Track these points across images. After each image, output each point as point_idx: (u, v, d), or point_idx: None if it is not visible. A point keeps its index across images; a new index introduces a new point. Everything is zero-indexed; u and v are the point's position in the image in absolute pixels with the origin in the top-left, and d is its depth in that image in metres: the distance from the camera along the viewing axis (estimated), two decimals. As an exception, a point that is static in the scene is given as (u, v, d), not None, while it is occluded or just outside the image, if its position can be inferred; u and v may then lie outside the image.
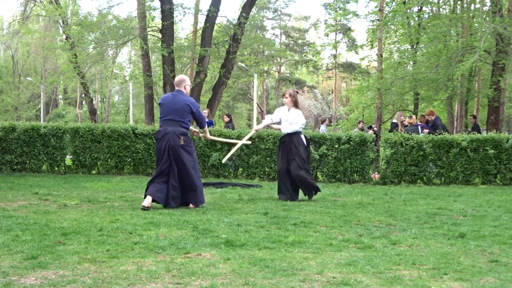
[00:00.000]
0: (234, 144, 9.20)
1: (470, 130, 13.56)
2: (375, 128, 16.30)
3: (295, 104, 7.84)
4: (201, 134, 7.53)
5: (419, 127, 12.86)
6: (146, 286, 3.32)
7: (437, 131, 12.01)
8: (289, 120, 7.76)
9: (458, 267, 3.88)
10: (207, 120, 14.10)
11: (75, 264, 3.77)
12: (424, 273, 3.72)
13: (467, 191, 9.46)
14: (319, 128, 15.60)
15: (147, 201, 6.53)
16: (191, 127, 7.14)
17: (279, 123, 7.93)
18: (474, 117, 18.21)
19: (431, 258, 4.17)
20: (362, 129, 15.41)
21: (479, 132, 13.68)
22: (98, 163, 11.55)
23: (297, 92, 8.02)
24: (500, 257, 4.23)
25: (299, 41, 47.73)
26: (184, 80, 6.95)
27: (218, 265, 3.80)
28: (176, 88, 7.00)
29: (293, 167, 7.63)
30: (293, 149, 7.70)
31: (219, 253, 4.16)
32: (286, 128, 7.80)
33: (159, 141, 6.71)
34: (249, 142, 9.88)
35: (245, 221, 5.61)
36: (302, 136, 7.87)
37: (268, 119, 7.98)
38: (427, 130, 12.57)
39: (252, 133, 8.54)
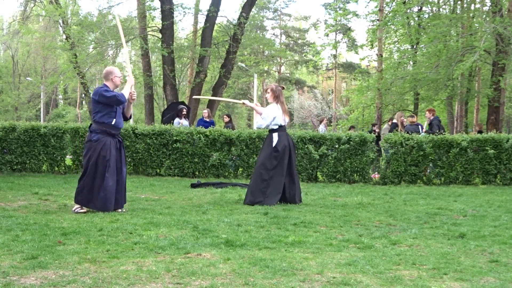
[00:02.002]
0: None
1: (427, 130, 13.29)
2: (376, 130, 16.23)
3: (276, 100, 7.30)
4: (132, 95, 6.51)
5: (420, 126, 12.88)
6: (146, 286, 3.32)
7: (432, 130, 12.01)
8: (262, 115, 7.30)
9: (458, 267, 3.88)
10: (208, 120, 14.11)
11: (75, 264, 3.77)
12: (424, 273, 3.72)
13: (467, 191, 9.45)
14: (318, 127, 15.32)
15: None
16: (122, 91, 6.43)
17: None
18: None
19: (431, 258, 4.16)
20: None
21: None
22: (98, 163, 11.53)
23: (283, 88, 7.54)
24: (500, 257, 4.22)
25: (299, 41, 47.73)
26: (111, 72, 6.35)
27: (218, 265, 3.80)
28: (103, 81, 6.45)
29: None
30: (261, 149, 7.34)
31: (219, 253, 4.16)
32: (255, 123, 7.44)
33: None
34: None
35: (245, 221, 5.61)
36: (275, 135, 7.19)
37: (258, 106, 7.57)
38: (424, 129, 12.59)
39: (237, 101, 8.85)
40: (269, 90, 7.42)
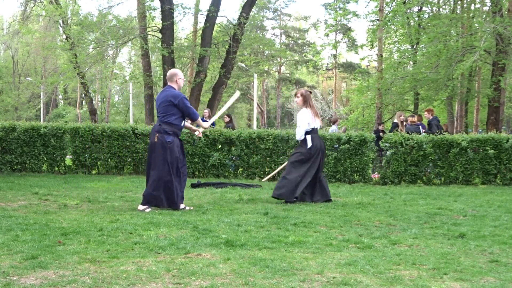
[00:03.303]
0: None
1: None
2: (381, 128, 16.14)
3: (305, 104, 7.51)
4: (200, 130, 7.15)
5: (420, 126, 12.86)
6: (146, 286, 3.32)
7: (431, 130, 12.01)
8: (298, 123, 7.55)
9: (458, 267, 3.88)
10: (208, 120, 14.09)
11: (75, 264, 3.77)
12: (424, 273, 3.72)
13: (467, 191, 9.45)
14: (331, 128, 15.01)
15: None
16: (187, 124, 6.89)
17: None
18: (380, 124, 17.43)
19: (431, 258, 4.16)
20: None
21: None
22: (98, 163, 11.55)
23: (310, 92, 7.69)
24: (500, 257, 4.22)
25: (299, 41, 47.76)
26: (175, 74, 6.68)
27: (218, 265, 3.80)
28: (168, 83, 6.77)
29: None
30: (295, 148, 7.55)
31: (219, 253, 4.16)
32: (296, 134, 7.57)
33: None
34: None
35: (245, 221, 5.61)
36: (309, 138, 7.40)
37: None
38: (424, 130, 12.58)
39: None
40: (298, 95, 7.61)
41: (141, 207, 6.41)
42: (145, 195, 6.44)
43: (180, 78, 6.67)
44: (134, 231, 4.96)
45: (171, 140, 6.42)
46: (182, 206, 6.59)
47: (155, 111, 24.75)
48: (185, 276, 3.52)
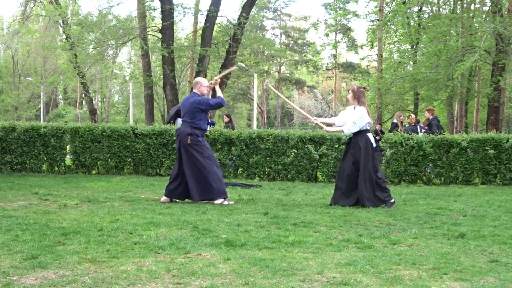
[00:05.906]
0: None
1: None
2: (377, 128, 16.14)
3: (358, 101, 7.16)
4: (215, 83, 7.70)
5: (418, 126, 12.87)
6: (146, 286, 3.32)
7: (431, 130, 12.01)
8: (354, 119, 7.08)
9: (458, 267, 3.88)
10: (209, 120, 14.05)
11: (75, 264, 3.77)
12: (424, 273, 3.72)
13: (467, 191, 9.45)
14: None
15: (164, 198, 7.32)
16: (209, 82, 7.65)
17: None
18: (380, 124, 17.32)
19: (431, 258, 4.16)
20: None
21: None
22: (98, 163, 11.55)
23: (365, 89, 7.35)
24: (500, 257, 4.22)
25: (299, 41, 47.76)
26: (197, 82, 7.52)
27: (218, 265, 3.80)
28: (193, 90, 7.53)
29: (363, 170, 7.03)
30: (362, 151, 7.02)
31: (219, 253, 4.16)
32: (347, 130, 7.15)
33: (176, 140, 7.39)
34: None
35: (245, 221, 5.61)
36: (370, 136, 7.15)
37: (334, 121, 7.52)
38: (424, 130, 12.58)
39: (309, 116, 7.94)
40: (350, 91, 7.31)
41: (218, 201, 7.02)
42: (216, 191, 7.03)
43: (202, 86, 7.41)
44: (134, 231, 4.96)
45: (202, 140, 7.19)
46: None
47: (155, 111, 24.86)
48: (185, 276, 3.52)
